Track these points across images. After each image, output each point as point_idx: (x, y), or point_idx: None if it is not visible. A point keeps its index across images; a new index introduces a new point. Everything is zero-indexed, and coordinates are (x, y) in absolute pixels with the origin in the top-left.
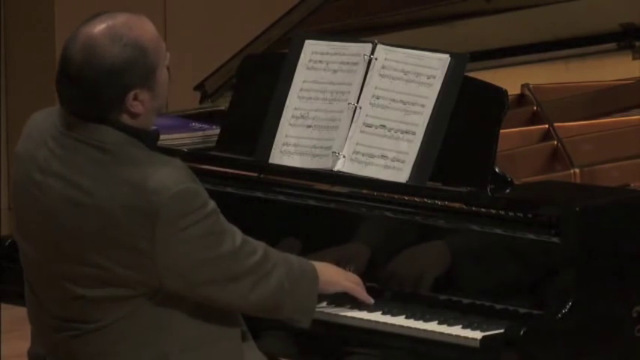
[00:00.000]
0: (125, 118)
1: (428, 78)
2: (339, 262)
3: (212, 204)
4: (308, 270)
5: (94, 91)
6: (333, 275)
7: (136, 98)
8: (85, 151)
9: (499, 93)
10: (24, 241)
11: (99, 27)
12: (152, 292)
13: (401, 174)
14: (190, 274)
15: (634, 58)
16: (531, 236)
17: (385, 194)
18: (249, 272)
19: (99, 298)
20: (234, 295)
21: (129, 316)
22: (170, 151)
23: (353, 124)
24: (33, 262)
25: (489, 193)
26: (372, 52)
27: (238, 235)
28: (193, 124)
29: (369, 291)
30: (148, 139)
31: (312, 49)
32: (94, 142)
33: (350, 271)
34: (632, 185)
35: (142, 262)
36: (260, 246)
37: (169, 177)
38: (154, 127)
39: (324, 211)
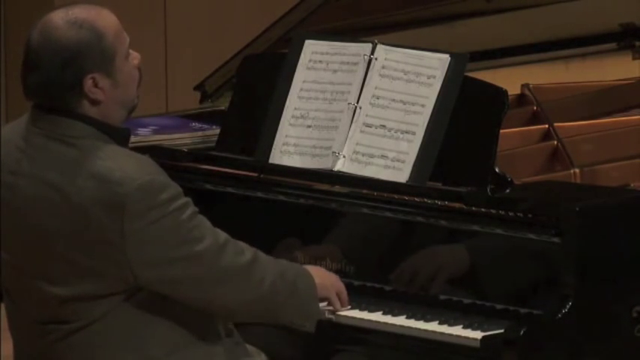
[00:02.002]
0: (87, 107)
1: (428, 78)
2: (339, 262)
3: (185, 199)
4: (303, 274)
5: (51, 75)
6: (325, 279)
7: (95, 85)
8: (53, 146)
9: (499, 93)
10: (3, 251)
11: (57, 14)
12: (130, 290)
13: (401, 174)
14: (168, 271)
15: (634, 58)
16: (531, 236)
17: (385, 194)
18: (237, 274)
19: (75, 295)
20: (224, 297)
21: (109, 316)
22: (171, 151)
23: (353, 124)
24: (10, 267)
25: (489, 193)
26: (372, 52)
27: (222, 235)
28: (193, 124)
29: (370, 291)
30: (117, 135)
31: (312, 49)
32: (60, 136)
33: (350, 271)
34: (632, 185)
35: (114, 256)
36: (248, 248)
37: (134, 169)
38: (125, 126)
39: (324, 211)
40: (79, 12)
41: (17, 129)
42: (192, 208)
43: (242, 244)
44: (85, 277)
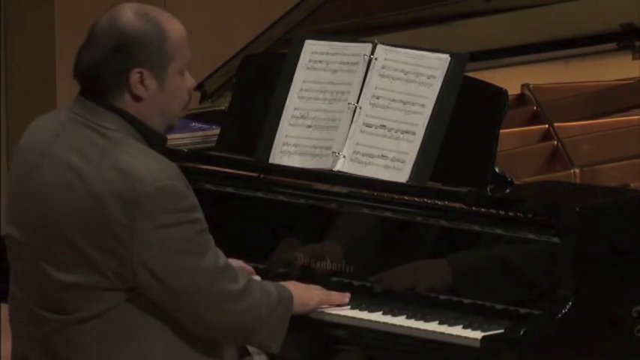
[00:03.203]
0: (127, 101)
1: (428, 78)
2: (339, 263)
3: (200, 215)
4: (284, 298)
5: (102, 54)
6: (304, 297)
7: (141, 81)
8: (85, 133)
9: (499, 93)
10: (13, 227)
11: (130, 5)
12: (130, 291)
13: (401, 174)
14: (166, 277)
15: (634, 58)
16: (531, 236)
17: (385, 194)
18: (226, 300)
19: (77, 284)
20: (208, 317)
21: (110, 315)
22: (171, 151)
23: (353, 124)
24: (19, 247)
25: (489, 193)
26: (372, 52)
27: (222, 257)
28: (193, 124)
29: (370, 291)
30: (152, 138)
31: (312, 49)
32: (94, 125)
33: (350, 271)
34: (632, 185)
35: (119, 251)
36: (242, 277)
37: (159, 170)
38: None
39: (324, 211)
40: (152, 10)
41: (58, 115)
42: (203, 225)
43: (237, 272)
44: (88, 266)
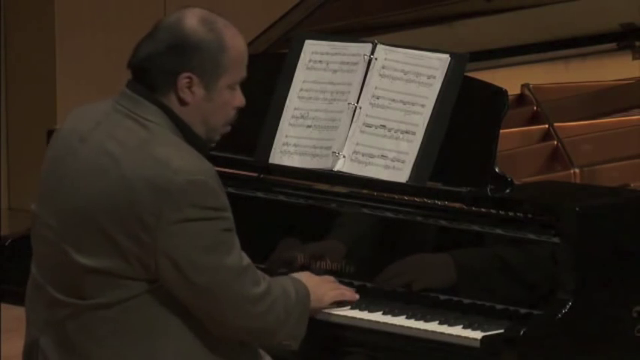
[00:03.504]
0: (173, 102)
1: (428, 78)
2: (339, 263)
3: (228, 215)
4: (302, 295)
5: (158, 50)
6: (319, 293)
7: (189, 86)
8: (128, 124)
9: (499, 93)
10: (40, 207)
11: (199, 11)
12: (151, 283)
13: (401, 174)
14: (188, 271)
15: (634, 58)
16: (531, 236)
17: (385, 194)
18: (246, 301)
19: (98, 269)
20: (226, 317)
21: (126, 304)
22: None
23: (353, 124)
24: (45, 228)
25: (489, 193)
26: (372, 52)
27: (246, 259)
28: None
29: (370, 291)
30: (193, 138)
31: (312, 49)
32: (139, 117)
33: (350, 271)
34: (632, 185)
35: (144, 239)
36: (264, 279)
37: (194, 165)
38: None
39: (324, 211)
40: (218, 20)
41: (102, 105)
42: (230, 224)
43: (260, 274)
44: (112, 251)
